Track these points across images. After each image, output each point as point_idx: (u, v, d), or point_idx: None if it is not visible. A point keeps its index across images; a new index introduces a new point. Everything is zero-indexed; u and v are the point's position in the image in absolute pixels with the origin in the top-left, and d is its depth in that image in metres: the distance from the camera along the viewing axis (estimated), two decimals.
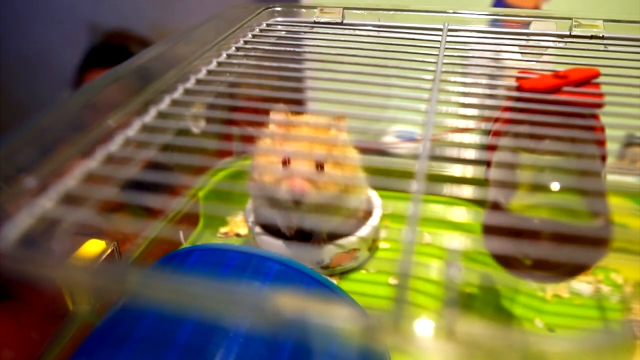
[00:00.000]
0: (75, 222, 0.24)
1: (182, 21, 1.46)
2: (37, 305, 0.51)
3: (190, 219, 0.62)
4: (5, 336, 0.49)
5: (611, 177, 0.69)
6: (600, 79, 0.39)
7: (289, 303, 0.16)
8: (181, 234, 0.58)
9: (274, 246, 0.53)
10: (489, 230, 0.31)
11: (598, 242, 0.29)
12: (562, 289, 0.59)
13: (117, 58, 1.34)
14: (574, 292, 0.59)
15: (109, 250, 0.46)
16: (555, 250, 0.28)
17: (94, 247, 0.45)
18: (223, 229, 0.64)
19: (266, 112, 0.44)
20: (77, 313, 0.45)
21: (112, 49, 1.45)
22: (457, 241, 0.34)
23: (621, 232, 0.61)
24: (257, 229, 0.55)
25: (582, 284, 0.60)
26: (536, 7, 0.83)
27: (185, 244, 0.60)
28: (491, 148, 0.36)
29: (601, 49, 0.45)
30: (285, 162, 0.48)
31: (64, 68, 1.49)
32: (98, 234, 0.47)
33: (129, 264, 0.45)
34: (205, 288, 0.17)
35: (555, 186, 0.30)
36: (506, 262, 0.32)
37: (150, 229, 0.54)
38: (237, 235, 0.64)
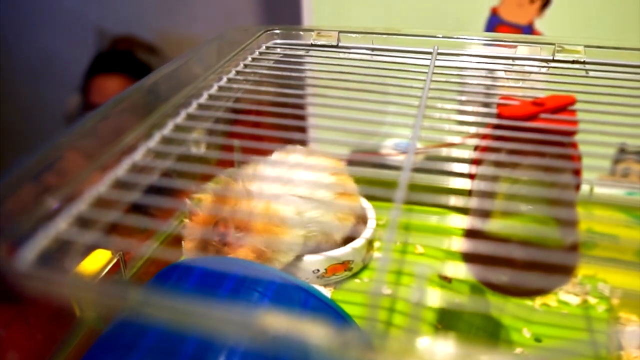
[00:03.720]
0: (86, 243, 0.27)
1: (187, 27, 1.49)
2: (45, 309, 0.53)
3: None
4: (14, 339, 0.51)
5: (604, 190, 0.72)
6: (581, 102, 0.42)
7: (271, 322, 0.19)
8: (184, 242, 0.61)
9: None
10: (467, 257, 0.34)
11: (564, 270, 0.32)
12: (550, 298, 0.61)
13: (124, 64, 1.36)
14: (562, 301, 0.61)
15: (115, 260, 0.48)
16: (526, 276, 0.30)
17: (100, 257, 0.48)
18: None
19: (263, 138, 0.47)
20: (84, 319, 0.47)
21: (118, 54, 1.48)
22: (423, 267, 0.36)
23: (611, 243, 0.63)
24: None
25: (569, 295, 0.62)
26: (530, 24, 0.86)
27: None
28: (471, 176, 0.38)
29: (582, 74, 0.47)
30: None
31: (71, 73, 1.52)
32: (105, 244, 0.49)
33: (131, 281, 0.47)
34: (198, 307, 0.20)
35: (528, 212, 0.33)
36: (482, 279, 0.34)
37: (154, 239, 0.56)
38: None
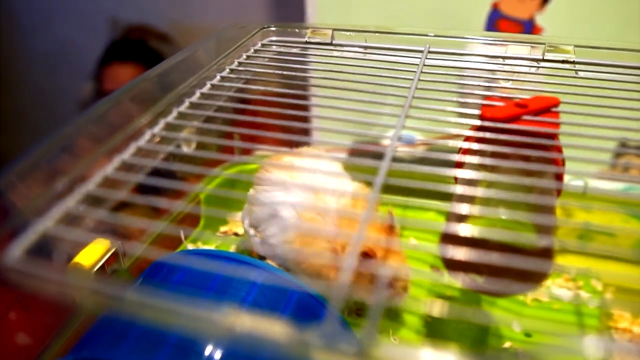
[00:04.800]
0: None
1: (199, 16, 1.51)
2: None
3: (191, 219, 0.66)
4: (20, 322, 0.53)
5: (603, 185, 0.72)
6: (569, 104, 0.42)
7: (235, 320, 0.20)
8: (182, 233, 0.63)
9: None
10: (447, 262, 0.35)
11: (535, 276, 0.33)
12: (542, 293, 0.62)
13: (136, 52, 1.38)
14: (554, 296, 0.62)
15: (113, 250, 0.50)
16: (499, 280, 0.31)
17: (99, 246, 0.49)
18: (223, 228, 0.69)
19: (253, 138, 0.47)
20: (82, 306, 0.49)
21: (131, 43, 1.50)
22: (387, 268, 0.38)
23: (607, 240, 0.63)
24: (252, 231, 0.59)
25: (562, 290, 0.63)
26: (531, 18, 0.86)
27: (186, 242, 0.64)
28: (456, 179, 0.39)
29: (572, 74, 0.48)
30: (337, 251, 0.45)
31: (85, 61, 1.55)
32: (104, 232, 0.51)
33: (125, 272, 0.49)
34: (170, 305, 0.21)
35: (505, 216, 0.33)
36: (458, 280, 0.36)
37: (154, 227, 0.58)
38: (236, 234, 0.68)
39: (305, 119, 0.40)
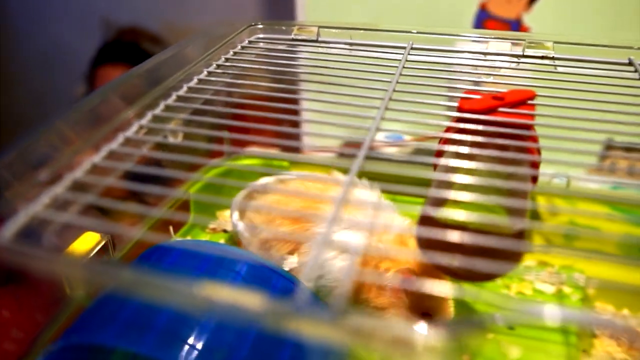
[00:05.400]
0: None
1: (192, 18, 1.52)
2: (38, 289, 0.56)
3: (181, 215, 0.67)
4: (13, 317, 0.54)
5: (588, 183, 0.73)
6: (549, 95, 0.44)
7: (212, 292, 0.21)
8: (171, 228, 0.64)
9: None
10: (420, 240, 0.36)
11: (511, 255, 0.34)
12: (526, 286, 0.63)
13: (128, 54, 1.39)
14: (537, 290, 0.63)
15: (103, 242, 0.51)
16: (475, 261, 0.32)
17: (89, 238, 0.50)
18: (212, 225, 0.70)
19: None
20: (73, 297, 0.50)
21: (123, 45, 1.51)
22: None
23: (592, 235, 0.65)
24: (240, 227, 0.60)
25: (545, 284, 0.64)
26: (517, 18, 0.87)
27: (175, 237, 0.65)
28: (435, 167, 0.40)
29: (551, 69, 0.49)
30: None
31: (78, 63, 1.56)
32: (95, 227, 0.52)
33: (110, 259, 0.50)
34: (150, 279, 0.23)
35: (479, 200, 0.35)
36: (437, 267, 0.37)
37: (143, 223, 0.59)
38: (224, 231, 0.69)
39: (292, 112, 0.42)
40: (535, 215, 0.63)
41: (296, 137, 0.41)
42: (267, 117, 0.41)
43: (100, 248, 0.52)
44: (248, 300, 0.21)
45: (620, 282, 0.63)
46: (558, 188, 0.62)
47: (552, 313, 0.22)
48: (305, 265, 0.25)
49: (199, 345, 0.36)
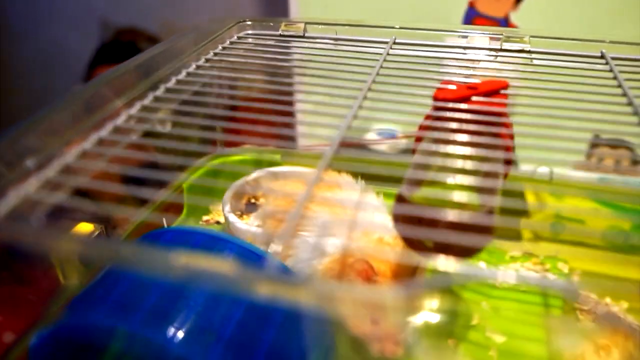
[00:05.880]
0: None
1: (190, 19, 1.53)
2: (34, 289, 0.57)
3: (174, 208, 0.69)
4: (6, 321, 0.55)
5: (575, 177, 0.75)
6: (525, 85, 0.46)
7: (188, 260, 0.23)
8: (164, 220, 0.66)
9: (244, 233, 0.60)
10: (396, 218, 0.38)
11: (483, 230, 0.36)
12: (510, 276, 0.65)
13: (126, 55, 1.41)
14: (522, 279, 0.65)
15: (97, 232, 0.52)
16: (449, 235, 0.34)
17: (83, 229, 0.52)
18: (205, 217, 0.71)
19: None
20: (67, 286, 0.52)
21: (121, 45, 1.53)
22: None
23: (576, 228, 0.66)
24: (231, 217, 0.62)
25: (530, 272, 0.66)
26: (505, 16, 0.89)
27: None
28: (413, 151, 0.42)
29: (527, 62, 0.51)
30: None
31: (77, 63, 1.57)
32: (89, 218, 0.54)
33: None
34: (131, 251, 0.24)
35: (451, 182, 0.37)
36: (412, 244, 0.38)
37: (137, 215, 0.61)
38: (217, 222, 0.71)
39: (283, 105, 0.43)
40: (523, 211, 0.65)
41: (287, 126, 0.42)
42: (255, 107, 0.42)
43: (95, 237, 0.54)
44: (221, 266, 0.23)
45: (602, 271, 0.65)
46: (544, 182, 0.64)
47: (506, 275, 0.24)
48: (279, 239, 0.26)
49: (187, 325, 0.38)
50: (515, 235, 0.70)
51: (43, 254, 0.47)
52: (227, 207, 0.64)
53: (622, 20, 0.85)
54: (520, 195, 0.66)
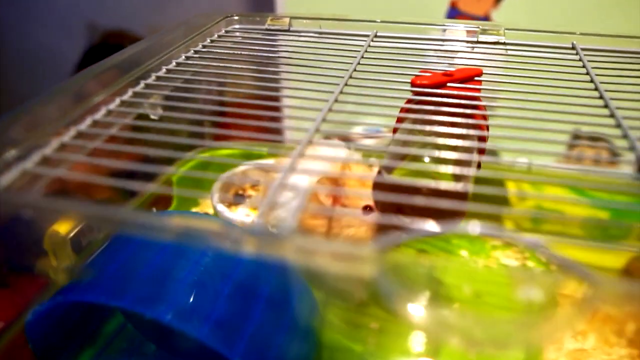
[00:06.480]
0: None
1: (177, 21, 1.54)
2: (21, 295, 0.59)
3: (164, 200, 0.70)
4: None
5: (554, 168, 0.78)
6: (498, 73, 0.48)
7: (181, 222, 0.25)
8: (154, 211, 0.67)
9: (233, 222, 0.62)
10: (375, 186, 0.40)
11: (459, 196, 0.38)
12: (492, 262, 0.68)
13: None
14: (502, 265, 0.67)
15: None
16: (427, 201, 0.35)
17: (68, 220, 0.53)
18: (194, 209, 0.73)
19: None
20: (59, 272, 0.53)
21: (109, 48, 1.53)
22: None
23: (556, 217, 0.69)
24: (219, 207, 0.64)
25: (510, 260, 0.68)
26: (486, 16, 0.92)
27: None
28: (394, 131, 0.45)
29: (502, 52, 0.54)
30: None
31: (64, 66, 1.58)
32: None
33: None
34: (129, 216, 0.26)
35: (427, 159, 0.39)
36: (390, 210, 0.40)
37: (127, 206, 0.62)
38: (206, 214, 0.72)
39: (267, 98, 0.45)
40: (504, 201, 0.67)
41: (273, 120, 0.43)
42: (242, 103, 0.44)
43: (85, 227, 0.55)
44: (211, 226, 0.25)
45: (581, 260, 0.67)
46: (523, 171, 0.67)
47: (473, 228, 0.26)
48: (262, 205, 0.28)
49: (179, 301, 0.40)
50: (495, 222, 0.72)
51: (37, 238, 0.49)
52: (216, 198, 0.66)
53: (600, 17, 0.88)
54: (500, 183, 0.69)
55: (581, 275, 0.25)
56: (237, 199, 0.72)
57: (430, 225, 0.29)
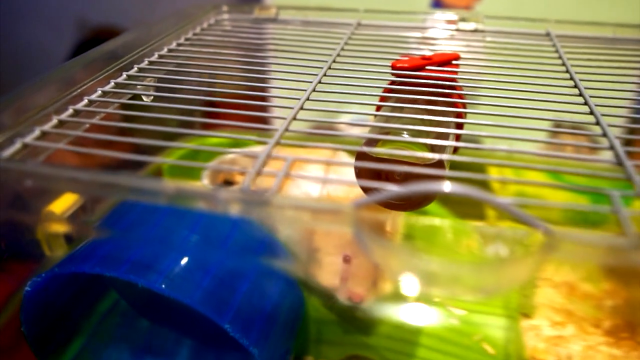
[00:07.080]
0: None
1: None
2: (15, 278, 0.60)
3: None
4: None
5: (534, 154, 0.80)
6: (476, 57, 0.50)
7: (168, 185, 0.27)
8: None
9: None
10: (358, 172, 0.42)
11: (436, 165, 0.40)
12: (474, 245, 0.70)
13: None
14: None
15: (82, 202, 0.55)
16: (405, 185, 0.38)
17: (69, 196, 0.55)
18: None
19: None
20: (52, 258, 0.55)
21: (98, 44, 1.54)
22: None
23: (538, 203, 0.71)
24: None
25: (499, 245, 0.71)
26: (468, 7, 0.95)
27: None
28: (377, 109, 0.47)
29: (480, 38, 0.56)
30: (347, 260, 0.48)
31: (54, 62, 1.58)
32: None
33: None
34: (123, 180, 0.28)
35: (405, 137, 0.41)
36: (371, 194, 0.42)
37: None
38: None
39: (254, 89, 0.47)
40: (485, 186, 0.70)
41: (260, 108, 0.45)
42: (231, 93, 0.46)
43: (80, 208, 0.57)
44: (201, 189, 0.27)
45: None
46: (504, 157, 0.69)
47: (449, 186, 0.28)
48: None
49: (171, 272, 0.42)
50: (479, 214, 0.75)
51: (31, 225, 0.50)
52: (206, 182, 0.68)
53: (578, 7, 0.91)
54: (481, 169, 0.71)
55: (540, 228, 0.27)
56: (226, 186, 0.74)
57: (406, 187, 0.31)
